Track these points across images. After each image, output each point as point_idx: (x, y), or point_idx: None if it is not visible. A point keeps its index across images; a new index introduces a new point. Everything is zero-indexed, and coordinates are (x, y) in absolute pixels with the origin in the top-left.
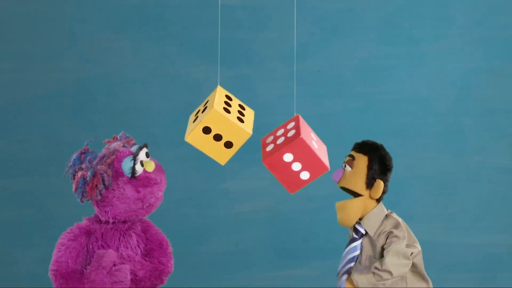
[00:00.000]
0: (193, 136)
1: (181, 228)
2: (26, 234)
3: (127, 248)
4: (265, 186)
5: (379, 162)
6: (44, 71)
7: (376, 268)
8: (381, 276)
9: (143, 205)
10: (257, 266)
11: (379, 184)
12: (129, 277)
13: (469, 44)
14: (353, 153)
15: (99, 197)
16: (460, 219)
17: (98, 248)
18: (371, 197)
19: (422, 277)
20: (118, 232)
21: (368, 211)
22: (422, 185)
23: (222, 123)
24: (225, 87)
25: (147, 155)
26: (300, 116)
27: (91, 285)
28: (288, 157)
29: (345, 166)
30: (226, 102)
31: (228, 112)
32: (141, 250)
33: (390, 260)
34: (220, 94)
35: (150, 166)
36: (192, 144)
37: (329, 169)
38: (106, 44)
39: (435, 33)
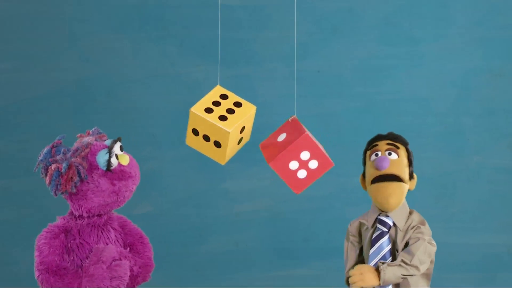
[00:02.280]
0: (188, 139)
1: (181, 228)
2: (26, 234)
3: (107, 243)
4: (265, 186)
5: (412, 157)
6: (44, 71)
7: (404, 261)
8: (408, 270)
9: (117, 198)
10: (257, 266)
11: (415, 177)
12: (128, 273)
13: (469, 44)
14: (393, 143)
15: (74, 190)
16: (460, 219)
17: (78, 247)
18: (409, 189)
19: (429, 277)
20: (96, 228)
21: None
22: (422, 185)
23: (202, 123)
24: (225, 87)
25: (121, 148)
26: (296, 118)
27: (90, 279)
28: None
29: (389, 153)
30: (215, 102)
31: (211, 111)
32: (120, 245)
33: (419, 257)
34: (213, 93)
35: (125, 160)
36: (193, 147)
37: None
38: (106, 44)
39: (435, 33)
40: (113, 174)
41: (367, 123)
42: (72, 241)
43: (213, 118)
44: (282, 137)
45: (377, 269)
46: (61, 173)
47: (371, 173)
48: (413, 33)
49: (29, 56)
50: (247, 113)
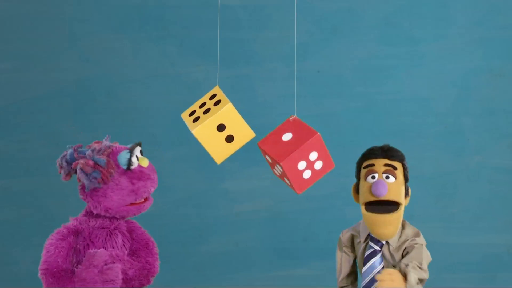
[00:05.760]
0: None
1: (181, 228)
2: (26, 234)
3: (113, 247)
4: (265, 186)
5: (407, 172)
6: (44, 71)
7: (417, 265)
8: (422, 274)
9: (136, 199)
10: (257, 266)
11: (410, 193)
12: (120, 276)
13: (469, 44)
14: (391, 162)
15: (100, 185)
16: (460, 219)
17: (84, 248)
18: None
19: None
20: (105, 232)
21: None
22: (422, 185)
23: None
24: (225, 87)
25: (141, 153)
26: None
27: (82, 283)
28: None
29: (387, 177)
30: (202, 104)
31: (193, 113)
32: (126, 250)
33: (426, 261)
34: (207, 95)
35: (145, 162)
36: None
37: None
38: (106, 44)
39: (435, 33)
40: (132, 173)
41: (367, 123)
42: (81, 243)
43: (188, 120)
44: (287, 136)
45: (404, 273)
46: (101, 167)
47: (366, 196)
48: (413, 33)
49: (29, 56)
50: (218, 110)
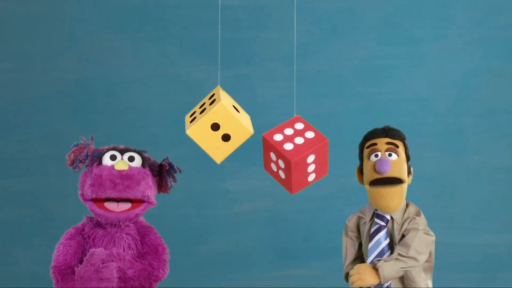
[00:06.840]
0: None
1: (181, 228)
2: (26, 234)
3: (116, 247)
4: (265, 186)
5: (409, 151)
6: (44, 71)
7: (400, 254)
8: (406, 263)
9: (92, 195)
10: (257, 266)
11: (412, 172)
12: (115, 275)
13: (469, 44)
14: (392, 140)
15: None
16: (460, 219)
17: (90, 248)
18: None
19: (430, 269)
20: (110, 232)
21: None
22: (422, 185)
23: None
24: (225, 87)
25: (131, 159)
26: (300, 117)
27: (80, 281)
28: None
29: (390, 155)
30: (202, 104)
31: (193, 114)
32: (132, 252)
33: (416, 247)
34: (207, 96)
35: (119, 165)
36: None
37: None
38: (106, 44)
39: (435, 33)
40: (100, 170)
41: (367, 123)
42: (87, 243)
43: (187, 121)
44: None
45: (375, 267)
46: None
47: (370, 174)
48: (413, 33)
49: (29, 56)
50: (211, 109)
